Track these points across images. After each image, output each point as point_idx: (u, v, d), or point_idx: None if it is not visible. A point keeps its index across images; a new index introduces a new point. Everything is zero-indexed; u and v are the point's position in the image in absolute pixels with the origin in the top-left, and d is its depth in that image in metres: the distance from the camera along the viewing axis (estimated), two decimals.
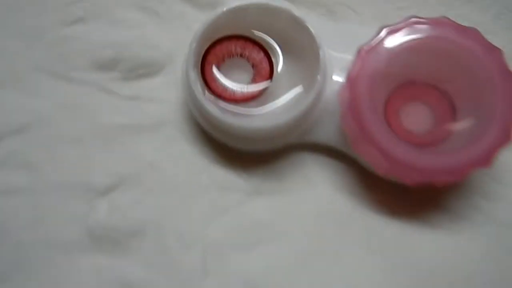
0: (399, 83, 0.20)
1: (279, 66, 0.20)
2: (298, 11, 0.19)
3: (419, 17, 0.19)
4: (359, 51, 0.19)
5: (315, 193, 0.21)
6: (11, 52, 0.22)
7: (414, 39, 0.19)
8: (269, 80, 0.20)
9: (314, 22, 0.20)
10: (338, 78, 0.20)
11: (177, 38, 0.22)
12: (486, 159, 0.17)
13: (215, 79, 0.20)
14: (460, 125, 0.19)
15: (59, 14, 0.23)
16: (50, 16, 0.23)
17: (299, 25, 0.19)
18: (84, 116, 0.21)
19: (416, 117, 0.20)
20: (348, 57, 0.19)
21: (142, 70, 0.22)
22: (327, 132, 0.20)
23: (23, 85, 0.22)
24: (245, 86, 0.20)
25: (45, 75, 0.22)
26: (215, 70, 0.20)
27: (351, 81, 0.18)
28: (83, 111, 0.22)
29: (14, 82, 0.22)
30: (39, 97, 0.22)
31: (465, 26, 0.19)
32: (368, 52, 0.19)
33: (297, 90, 0.20)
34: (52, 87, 0.22)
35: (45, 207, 0.20)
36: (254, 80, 0.20)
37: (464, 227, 0.20)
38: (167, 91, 0.22)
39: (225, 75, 0.20)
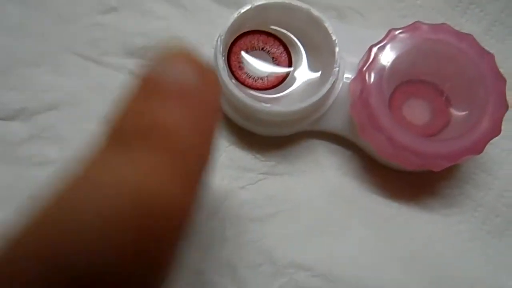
0: (401, 81, 0.22)
1: (298, 59, 0.23)
2: (316, 12, 0.22)
3: (423, 23, 0.22)
4: (370, 48, 0.21)
5: (324, 175, 0.23)
6: (47, 35, 0.24)
7: (417, 41, 0.21)
8: (287, 72, 0.22)
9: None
10: (346, 75, 0.22)
11: (201, 31, 0.24)
12: (478, 147, 0.20)
13: (239, 68, 0.22)
14: (455, 119, 0.21)
15: (93, 2, 0.24)
16: (85, 4, 0.24)
17: (317, 24, 0.22)
18: (114, 98, 0.23)
19: (416, 112, 0.22)
20: (354, 59, 0.22)
21: None
22: (336, 121, 0.23)
23: (57, 66, 0.23)
24: (266, 76, 0.22)
25: (77, 57, 0.24)
26: (239, 61, 0.22)
27: (362, 74, 0.21)
28: (113, 93, 0.23)
29: (49, 62, 0.24)
30: (71, 78, 0.23)
31: (462, 32, 0.22)
32: (378, 49, 0.21)
33: (313, 81, 0.22)
34: (84, 69, 0.24)
35: None
36: (274, 72, 0.22)
37: (455, 212, 0.23)
38: None
39: (248, 66, 0.22)
